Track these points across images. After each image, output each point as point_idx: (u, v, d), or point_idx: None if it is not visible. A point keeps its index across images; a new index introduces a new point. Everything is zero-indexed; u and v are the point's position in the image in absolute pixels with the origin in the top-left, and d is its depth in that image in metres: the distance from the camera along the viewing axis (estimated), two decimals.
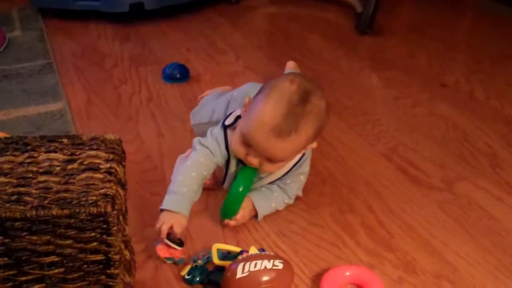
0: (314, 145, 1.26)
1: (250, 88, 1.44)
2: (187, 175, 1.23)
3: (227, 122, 1.27)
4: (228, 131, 1.27)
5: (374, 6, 2.29)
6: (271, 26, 2.55)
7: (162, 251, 1.15)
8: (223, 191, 1.33)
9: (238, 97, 1.41)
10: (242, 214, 1.26)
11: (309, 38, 2.34)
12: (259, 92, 1.22)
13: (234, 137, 1.23)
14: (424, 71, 2.07)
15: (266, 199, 1.30)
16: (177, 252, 1.16)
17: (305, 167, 1.33)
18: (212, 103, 1.55)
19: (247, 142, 1.20)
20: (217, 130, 1.28)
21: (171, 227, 1.16)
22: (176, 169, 1.27)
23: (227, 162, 1.28)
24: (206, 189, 1.36)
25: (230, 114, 1.30)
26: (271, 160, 1.20)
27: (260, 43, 2.31)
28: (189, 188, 1.21)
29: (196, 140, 1.28)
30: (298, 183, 1.34)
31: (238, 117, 1.26)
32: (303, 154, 1.29)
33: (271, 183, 1.32)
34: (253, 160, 1.21)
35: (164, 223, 1.16)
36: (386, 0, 2.45)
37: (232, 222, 1.26)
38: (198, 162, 1.24)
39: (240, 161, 1.26)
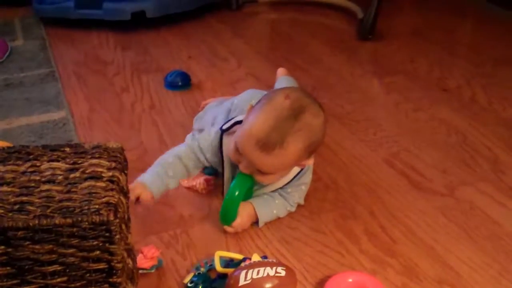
0: (310, 162, 1.26)
1: (251, 95, 1.45)
2: (165, 158, 1.29)
3: (225, 127, 1.28)
4: (224, 135, 1.28)
5: (375, 11, 2.29)
6: (273, 32, 2.56)
7: (142, 263, 1.15)
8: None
9: (238, 104, 1.42)
10: (240, 221, 1.26)
11: (311, 44, 2.34)
12: (258, 102, 1.23)
13: (230, 143, 1.24)
14: (425, 76, 2.07)
15: (268, 206, 1.31)
16: (153, 253, 1.16)
17: (306, 178, 1.34)
18: (214, 109, 1.56)
19: (238, 150, 1.21)
20: (214, 131, 1.30)
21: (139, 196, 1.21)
22: None
23: (222, 169, 1.29)
24: (205, 193, 1.36)
25: (231, 119, 1.30)
26: (260, 171, 1.21)
27: (261, 49, 2.31)
28: (162, 169, 1.26)
29: (189, 134, 1.30)
30: (299, 192, 1.34)
31: (236, 122, 1.27)
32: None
33: (272, 191, 1.33)
34: (245, 169, 1.22)
35: (132, 190, 1.20)
36: (387, 5, 2.45)
37: (229, 229, 1.27)
38: (180, 150, 1.30)
39: (235, 167, 1.26)
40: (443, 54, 2.25)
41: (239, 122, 1.26)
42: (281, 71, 1.86)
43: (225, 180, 1.31)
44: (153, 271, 1.16)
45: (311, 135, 1.19)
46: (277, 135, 1.16)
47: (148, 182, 1.24)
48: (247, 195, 1.28)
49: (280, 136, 1.16)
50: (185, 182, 1.38)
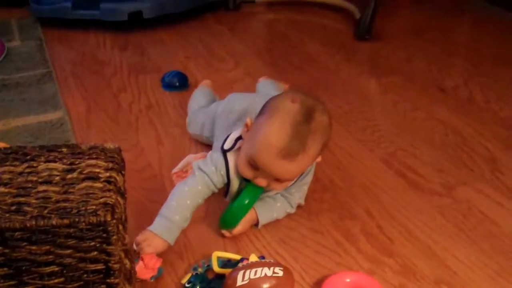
0: (319, 159, 1.26)
1: (233, 101, 1.44)
2: (182, 202, 1.22)
3: (226, 147, 1.25)
4: (228, 155, 1.25)
5: (372, 11, 2.30)
6: (270, 32, 2.56)
7: (143, 273, 1.13)
8: (224, 198, 1.33)
9: (223, 113, 1.42)
10: (241, 228, 1.26)
11: (308, 44, 2.34)
12: (261, 113, 1.20)
13: (239, 160, 1.22)
14: (423, 75, 2.08)
15: (269, 210, 1.30)
16: (155, 263, 1.14)
17: (310, 177, 1.34)
18: (200, 115, 1.56)
19: (254, 165, 1.19)
20: (217, 156, 1.26)
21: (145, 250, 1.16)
22: (173, 192, 1.25)
23: (228, 184, 1.27)
24: None
25: (228, 136, 1.27)
26: (279, 180, 1.20)
27: (259, 49, 2.31)
28: (181, 216, 1.20)
29: (195, 164, 1.26)
30: (301, 192, 1.34)
31: (238, 139, 1.25)
32: None
33: (275, 193, 1.32)
34: (262, 182, 1.20)
35: (145, 246, 1.16)
36: (385, 5, 2.45)
37: (227, 234, 1.26)
38: (195, 190, 1.23)
39: (244, 179, 1.25)
40: (441, 54, 2.25)
41: (240, 138, 1.25)
42: (263, 78, 1.85)
43: (230, 192, 1.29)
44: (152, 280, 1.15)
45: (325, 132, 1.19)
46: (298, 140, 1.14)
47: (165, 236, 1.18)
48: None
49: (301, 141, 1.15)
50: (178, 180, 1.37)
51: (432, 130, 1.71)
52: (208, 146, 1.51)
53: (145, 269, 1.13)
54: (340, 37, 2.40)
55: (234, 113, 1.38)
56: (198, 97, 1.69)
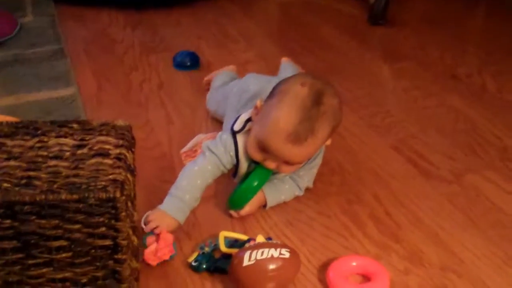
0: (328, 142, 1.26)
1: (249, 81, 1.44)
2: (192, 181, 1.22)
3: (236, 128, 1.25)
4: (238, 136, 1.25)
5: None
6: (284, 15, 2.54)
7: (151, 259, 1.13)
8: (233, 179, 1.33)
9: (237, 92, 1.42)
10: (248, 209, 1.26)
11: (321, 28, 2.33)
12: (271, 96, 1.21)
13: (249, 143, 1.22)
14: (436, 62, 2.06)
15: (277, 192, 1.31)
16: (166, 254, 1.14)
17: (318, 160, 1.34)
18: (219, 92, 1.57)
19: (263, 149, 1.19)
20: (226, 136, 1.26)
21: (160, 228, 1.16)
22: (182, 171, 1.25)
23: (236, 165, 1.27)
24: None
25: (238, 118, 1.27)
26: (288, 163, 1.20)
27: (272, 32, 2.30)
28: (191, 195, 1.21)
29: (205, 145, 1.27)
30: (310, 175, 1.34)
31: (248, 120, 1.25)
32: None
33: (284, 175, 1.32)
34: (271, 164, 1.21)
35: (156, 224, 1.16)
36: None
37: (234, 214, 1.27)
38: (205, 169, 1.23)
39: (253, 161, 1.25)
40: (454, 41, 2.24)
41: (250, 120, 1.25)
42: (285, 59, 1.84)
43: (239, 174, 1.29)
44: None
45: (334, 115, 1.19)
46: (307, 124, 1.15)
47: (176, 215, 1.18)
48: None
49: (309, 125, 1.15)
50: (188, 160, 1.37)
51: (443, 117, 1.71)
52: (219, 126, 1.51)
53: (153, 256, 1.13)
54: (354, 22, 2.39)
55: (247, 93, 1.38)
56: (222, 76, 1.68)
